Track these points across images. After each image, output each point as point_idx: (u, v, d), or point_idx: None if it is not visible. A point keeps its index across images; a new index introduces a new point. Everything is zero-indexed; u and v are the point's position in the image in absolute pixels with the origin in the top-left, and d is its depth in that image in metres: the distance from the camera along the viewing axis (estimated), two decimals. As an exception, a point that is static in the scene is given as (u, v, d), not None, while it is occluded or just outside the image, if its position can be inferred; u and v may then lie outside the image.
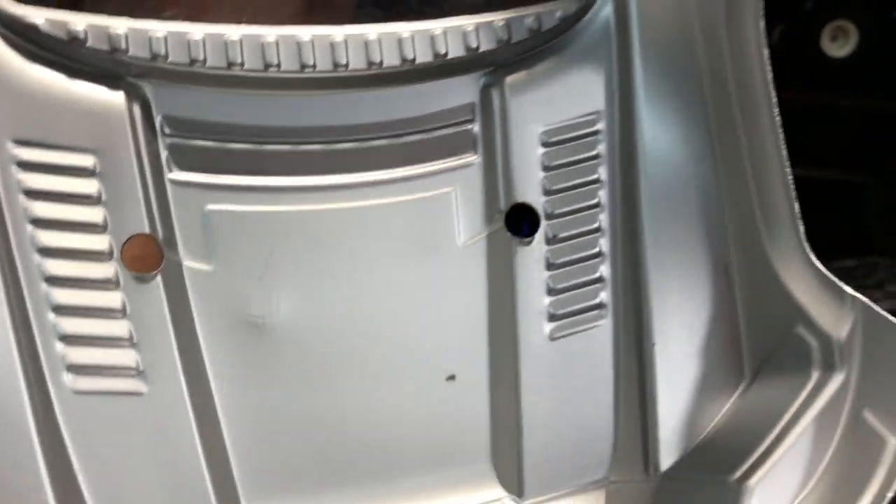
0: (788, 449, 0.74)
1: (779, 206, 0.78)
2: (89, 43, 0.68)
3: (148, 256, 0.70)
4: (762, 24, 0.75)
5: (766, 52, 0.75)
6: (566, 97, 0.79)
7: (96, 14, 0.69)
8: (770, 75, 0.75)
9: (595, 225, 0.80)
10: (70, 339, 0.67)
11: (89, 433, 0.67)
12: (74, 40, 0.67)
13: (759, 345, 0.81)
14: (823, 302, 0.77)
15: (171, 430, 0.69)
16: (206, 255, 0.71)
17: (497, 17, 0.76)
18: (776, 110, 0.76)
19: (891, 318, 0.71)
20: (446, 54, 0.75)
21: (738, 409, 0.81)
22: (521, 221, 0.79)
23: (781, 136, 0.76)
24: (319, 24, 0.73)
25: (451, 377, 0.77)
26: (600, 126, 0.80)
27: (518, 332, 0.78)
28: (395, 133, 0.76)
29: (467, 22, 0.76)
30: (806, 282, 0.78)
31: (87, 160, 0.68)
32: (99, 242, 0.68)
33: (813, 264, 0.77)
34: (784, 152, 0.76)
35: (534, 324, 0.78)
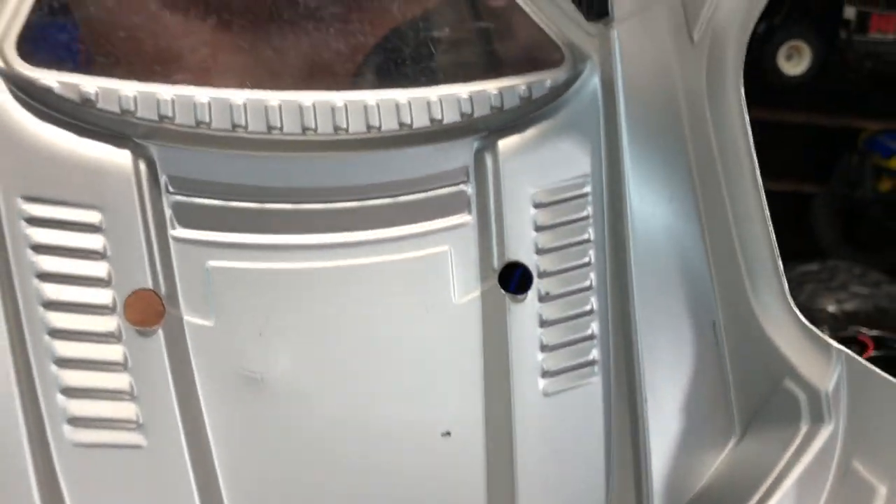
0: (780, 501, 0.75)
1: (763, 263, 0.81)
2: (99, 105, 0.70)
3: (150, 311, 0.71)
4: (742, 92, 0.79)
5: (746, 117, 0.79)
6: (556, 161, 0.82)
7: (107, 77, 0.72)
8: (751, 140, 0.79)
9: (586, 283, 0.82)
10: (71, 392, 0.67)
11: (88, 487, 0.67)
12: (86, 102, 0.70)
13: (749, 399, 0.83)
14: (809, 355, 0.79)
15: (169, 485, 0.69)
16: (207, 310, 0.72)
17: (490, 86, 0.80)
18: (758, 172, 0.79)
19: (874, 368, 0.74)
20: (442, 120, 0.78)
21: (730, 463, 0.82)
22: (514, 279, 0.81)
23: (763, 196, 0.80)
24: (320, 90, 0.76)
25: (447, 433, 0.78)
26: (589, 188, 0.83)
27: (512, 388, 0.79)
28: (392, 193, 0.78)
29: (462, 90, 0.79)
30: (792, 336, 0.80)
31: (93, 216, 0.70)
32: (102, 296, 0.69)
33: (798, 319, 0.79)
34: (766, 212, 0.80)
35: (528, 380, 0.79)
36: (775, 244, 0.80)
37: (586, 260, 0.82)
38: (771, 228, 0.80)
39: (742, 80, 0.78)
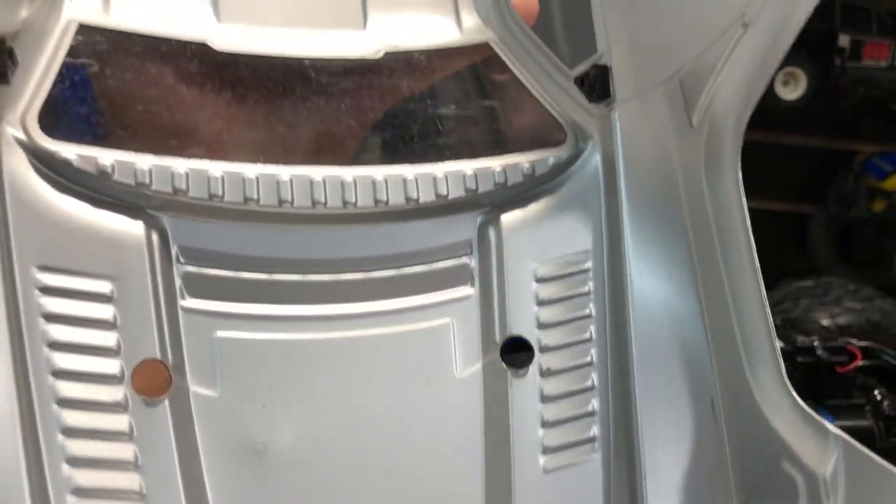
0: (779, 584, 0.75)
1: (760, 342, 0.82)
2: (115, 177, 0.72)
3: (157, 381, 0.72)
4: (739, 174, 0.81)
5: (744, 199, 0.81)
6: (558, 236, 0.84)
7: (123, 150, 0.74)
8: (748, 222, 0.81)
9: (587, 359, 0.83)
10: (76, 462, 0.68)
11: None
12: (103, 174, 0.72)
13: (747, 478, 0.83)
14: (806, 438, 0.80)
15: (170, 557, 0.69)
16: (213, 381, 0.73)
17: (494, 163, 0.82)
18: (755, 253, 0.81)
19: (871, 454, 0.74)
20: (447, 195, 0.80)
21: (728, 544, 0.83)
22: (515, 353, 0.82)
23: (760, 276, 0.81)
24: (329, 165, 0.78)
25: (447, 508, 0.78)
26: (590, 264, 0.85)
27: (513, 464, 0.79)
28: (397, 265, 0.80)
29: (467, 166, 0.81)
30: (789, 419, 0.81)
31: (104, 286, 0.71)
32: (110, 366, 0.70)
33: (795, 402, 0.80)
34: (763, 293, 0.81)
35: (528, 456, 0.80)
36: (772, 325, 0.81)
37: (587, 335, 0.84)
38: (768, 309, 0.81)
39: (739, 164, 0.81)
